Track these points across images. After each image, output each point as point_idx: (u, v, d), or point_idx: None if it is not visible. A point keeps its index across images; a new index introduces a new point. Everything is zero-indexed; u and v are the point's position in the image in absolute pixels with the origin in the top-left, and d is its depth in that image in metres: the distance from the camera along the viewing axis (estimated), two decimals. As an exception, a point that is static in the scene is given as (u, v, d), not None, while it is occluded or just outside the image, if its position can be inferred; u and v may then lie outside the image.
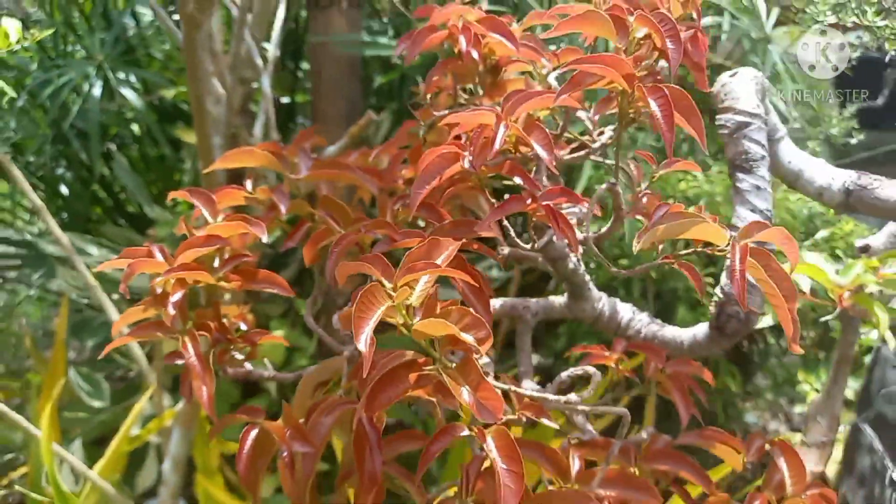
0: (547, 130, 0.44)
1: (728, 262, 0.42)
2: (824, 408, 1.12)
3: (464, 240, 0.44)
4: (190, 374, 0.44)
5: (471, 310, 0.38)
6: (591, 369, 0.49)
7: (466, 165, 0.46)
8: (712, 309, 0.58)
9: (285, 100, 1.83)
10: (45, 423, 1.12)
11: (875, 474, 1.72)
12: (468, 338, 0.37)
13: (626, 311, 0.64)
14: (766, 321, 1.07)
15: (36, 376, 1.65)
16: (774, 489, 0.52)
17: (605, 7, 0.47)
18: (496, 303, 0.63)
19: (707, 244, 0.45)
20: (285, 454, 0.48)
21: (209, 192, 0.51)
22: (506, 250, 0.63)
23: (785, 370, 1.78)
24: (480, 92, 0.57)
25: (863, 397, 1.82)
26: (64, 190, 1.79)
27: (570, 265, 0.61)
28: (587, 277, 0.63)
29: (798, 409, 2.09)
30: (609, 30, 0.44)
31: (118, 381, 1.75)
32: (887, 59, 1.45)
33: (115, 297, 1.56)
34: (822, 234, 1.54)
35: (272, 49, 1.09)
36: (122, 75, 1.49)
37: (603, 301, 0.64)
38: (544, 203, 0.46)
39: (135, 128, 1.76)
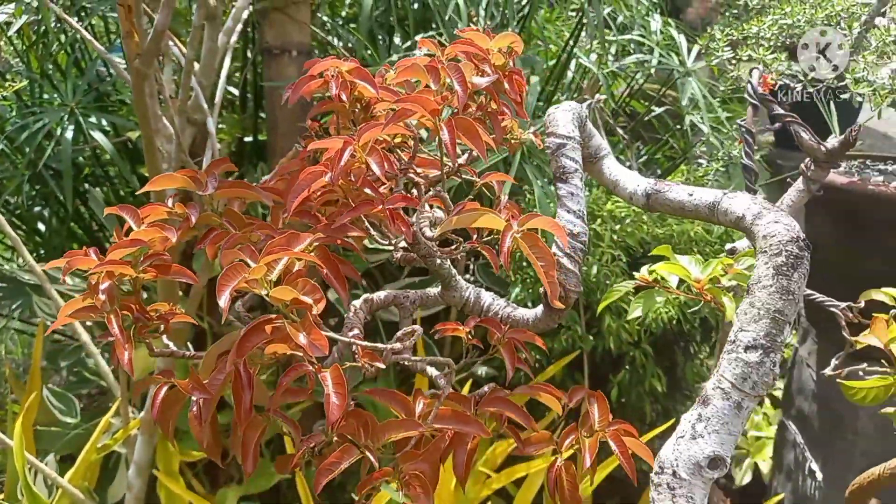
0: (382, 153, 0.60)
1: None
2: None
3: (319, 234, 0.59)
4: (115, 344, 0.58)
5: (311, 281, 0.53)
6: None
7: (327, 179, 0.61)
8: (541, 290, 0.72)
9: (248, 139, 1.99)
10: (16, 435, 1.24)
11: (798, 466, 1.87)
12: (306, 299, 0.51)
13: (487, 297, 0.78)
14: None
15: (16, 406, 1.77)
16: (586, 428, 0.66)
17: (431, 60, 0.63)
18: (381, 293, 0.78)
19: (494, 231, 0.60)
20: (194, 408, 0.62)
21: (135, 207, 0.65)
22: (399, 253, 0.78)
23: (707, 369, 1.92)
24: (356, 127, 0.73)
25: (785, 396, 1.97)
26: (42, 227, 1.93)
27: (438, 261, 0.76)
28: (453, 271, 0.78)
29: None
30: (426, 77, 0.60)
31: (91, 399, 1.87)
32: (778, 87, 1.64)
33: (89, 323, 1.69)
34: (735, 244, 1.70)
35: (218, 94, 1.25)
36: (93, 120, 1.64)
37: (469, 290, 0.79)
38: (388, 207, 0.62)
39: (109, 168, 1.91)
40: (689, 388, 1.88)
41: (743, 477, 2.06)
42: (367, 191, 0.62)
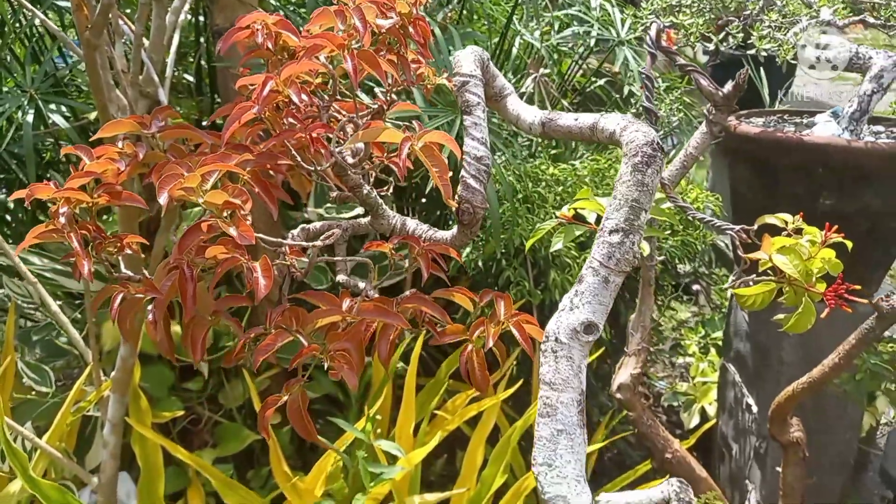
0: (301, 85, 0.70)
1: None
2: (637, 323, 1.39)
3: (248, 156, 0.69)
4: (76, 258, 0.68)
5: (239, 185, 0.63)
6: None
7: (255, 111, 0.71)
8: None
9: (205, 122, 2.07)
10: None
11: (738, 404, 2.01)
12: (236, 201, 0.61)
13: (412, 223, 0.89)
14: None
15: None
16: (493, 321, 0.77)
17: (339, 6, 0.73)
18: (317, 223, 0.88)
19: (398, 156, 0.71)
20: (150, 316, 0.71)
21: (89, 147, 0.75)
22: (334, 193, 0.88)
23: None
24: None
25: (725, 340, 2.10)
26: (6, 215, 1.99)
27: (365, 191, 0.86)
28: (379, 200, 0.88)
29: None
30: (334, 20, 0.70)
31: (66, 373, 1.94)
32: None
33: (59, 302, 1.77)
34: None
35: (168, 68, 1.34)
36: (52, 106, 1.72)
37: (396, 218, 0.89)
38: (308, 133, 0.72)
39: (70, 155, 1.98)
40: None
41: (691, 420, 2.19)
42: (291, 120, 0.72)
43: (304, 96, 0.69)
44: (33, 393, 1.65)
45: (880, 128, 1.69)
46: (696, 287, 3.22)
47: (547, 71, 2.33)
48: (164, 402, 1.76)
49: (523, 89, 2.33)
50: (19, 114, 1.65)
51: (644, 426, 1.35)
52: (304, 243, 0.71)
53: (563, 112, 0.84)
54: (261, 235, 0.66)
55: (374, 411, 1.47)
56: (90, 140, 1.83)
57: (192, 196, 0.63)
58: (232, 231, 0.60)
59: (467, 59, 0.85)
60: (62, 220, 0.69)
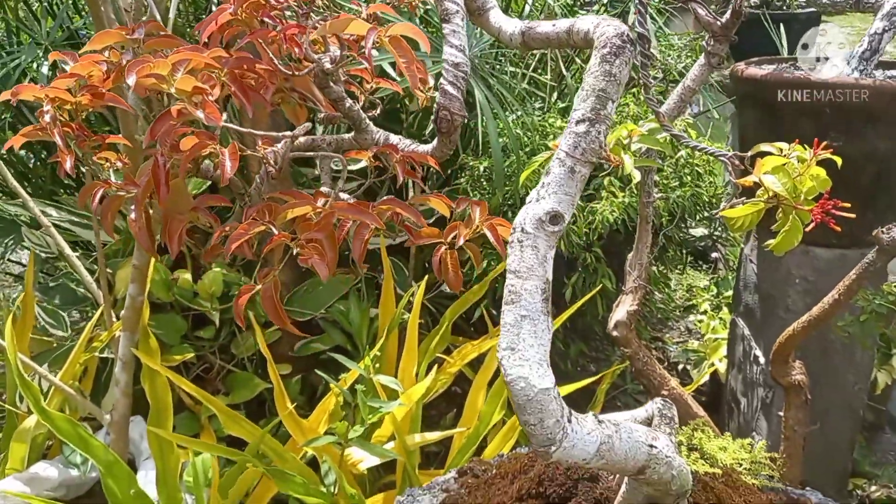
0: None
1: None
2: (634, 261, 1.38)
3: (221, 52, 0.70)
4: (59, 155, 0.70)
5: (213, 74, 0.65)
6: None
7: (230, 11, 0.73)
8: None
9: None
10: (8, 337, 1.36)
11: (746, 358, 1.99)
12: (204, 86, 0.63)
13: (395, 138, 0.90)
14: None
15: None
16: (467, 225, 0.78)
17: None
18: (301, 138, 0.90)
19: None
20: (132, 214, 0.74)
21: (75, 53, 0.77)
22: (322, 114, 0.90)
23: (655, 269, 2.04)
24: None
25: (735, 295, 2.09)
26: (27, 168, 2.05)
27: (347, 104, 0.87)
28: (363, 115, 0.89)
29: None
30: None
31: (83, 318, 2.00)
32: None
33: (78, 252, 1.82)
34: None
35: (172, 9, 1.36)
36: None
37: (379, 133, 0.90)
38: (283, 32, 0.73)
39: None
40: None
41: (701, 378, 2.18)
42: (266, 20, 0.73)
43: (277, -5, 0.71)
44: (51, 338, 1.70)
45: (895, 72, 1.65)
46: (714, 255, 3.18)
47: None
48: (176, 349, 1.80)
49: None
50: (34, 66, 1.69)
51: (640, 363, 1.35)
52: (279, 135, 0.72)
53: (542, 21, 0.84)
54: (235, 127, 0.68)
55: (375, 351, 1.49)
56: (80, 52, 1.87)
57: (162, 84, 0.65)
58: (199, 114, 0.62)
59: (447, -31, 0.85)
60: (47, 118, 0.72)
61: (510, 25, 0.88)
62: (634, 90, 2.15)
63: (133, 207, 0.73)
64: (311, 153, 0.83)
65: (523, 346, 0.66)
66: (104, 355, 1.68)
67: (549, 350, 0.67)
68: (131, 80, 0.65)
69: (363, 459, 1.45)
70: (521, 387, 0.65)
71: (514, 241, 0.69)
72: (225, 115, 0.67)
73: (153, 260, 1.47)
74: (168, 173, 0.66)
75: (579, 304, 1.67)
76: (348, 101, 0.87)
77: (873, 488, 1.96)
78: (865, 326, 1.46)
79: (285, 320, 0.70)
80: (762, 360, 1.86)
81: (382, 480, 1.65)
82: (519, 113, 2.03)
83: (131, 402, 1.56)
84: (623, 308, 1.36)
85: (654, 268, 2.23)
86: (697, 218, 2.62)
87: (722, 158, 1.13)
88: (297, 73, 0.78)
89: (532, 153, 1.94)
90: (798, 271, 1.70)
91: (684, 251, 2.61)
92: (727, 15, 1.22)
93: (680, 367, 2.36)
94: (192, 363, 1.91)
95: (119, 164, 0.77)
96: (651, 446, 0.79)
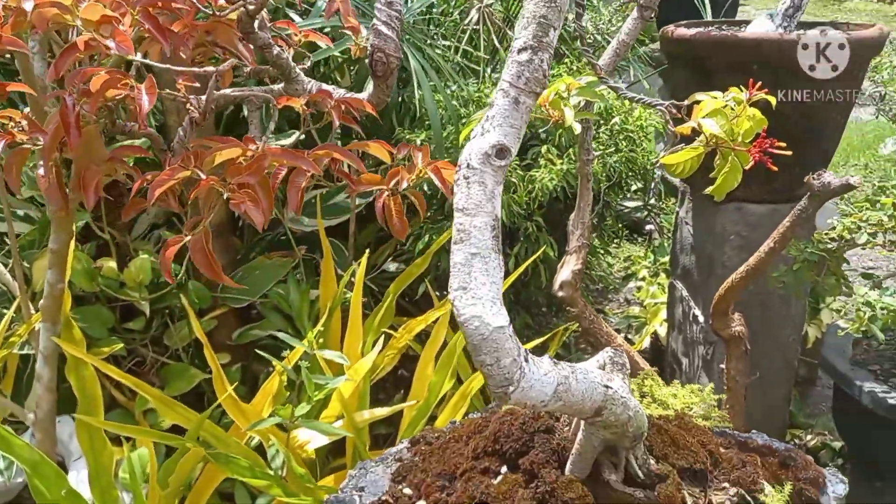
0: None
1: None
2: (577, 220, 1.38)
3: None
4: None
5: (122, 2, 0.59)
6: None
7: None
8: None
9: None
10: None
11: (686, 318, 2.03)
12: (114, 14, 0.57)
13: (329, 87, 0.86)
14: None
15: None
16: (410, 170, 0.75)
17: None
18: (229, 91, 0.84)
19: None
20: (40, 170, 0.67)
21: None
22: (248, 68, 0.84)
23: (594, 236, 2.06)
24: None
25: (672, 259, 2.12)
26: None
27: (275, 51, 0.82)
28: (292, 64, 0.85)
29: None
30: None
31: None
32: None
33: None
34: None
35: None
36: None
37: (311, 83, 0.86)
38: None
39: None
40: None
41: (642, 342, 2.22)
42: None
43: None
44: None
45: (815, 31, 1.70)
46: (648, 227, 3.24)
47: (491, 1, 2.30)
48: (103, 341, 1.70)
49: (467, 20, 2.30)
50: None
51: (587, 321, 1.35)
52: (201, 69, 0.67)
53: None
54: (153, 63, 0.63)
55: (318, 327, 1.44)
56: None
57: (65, 15, 0.58)
58: (109, 42, 0.56)
59: None
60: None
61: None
62: (567, 60, 2.16)
63: (41, 163, 0.66)
64: (240, 94, 0.77)
65: (475, 285, 0.63)
66: (24, 352, 1.57)
67: (501, 288, 0.65)
68: (29, 6, 0.58)
69: (311, 440, 1.40)
70: (475, 326, 0.63)
71: (461, 177, 0.66)
72: (139, 55, 0.62)
73: (73, 244, 1.37)
74: (79, 118, 0.60)
75: (522, 268, 1.66)
76: (276, 48, 0.82)
77: (808, 437, 2.03)
78: (798, 275, 1.50)
79: (218, 271, 0.65)
80: (701, 318, 1.90)
81: (331, 465, 1.60)
82: (454, 86, 2.00)
83: (56, 398, 1.45)
84: (567, 268, 1.35)
85: (593, 240, 2.25)
86: (633, 188, 2.66)
87: (659, 107, 1.13)
88: (218, 14, 0.73)
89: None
90: (732, 228, 1.74)
91: (620, 224, 2.64)
92: (657, -34, 1.22)
93: (622, 334, 2.39)
94: (122, 357, 1.81)
95: (24, 123, 0.70)
96: (607, 387, 0.77)
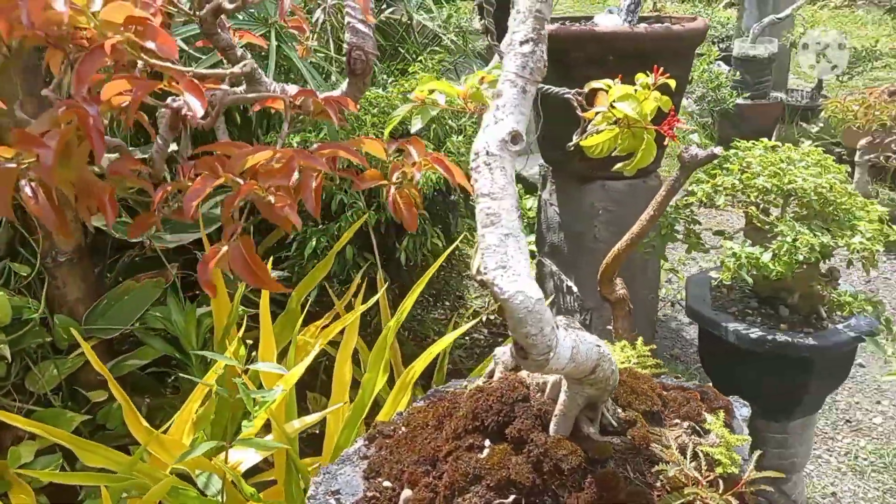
0: None
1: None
2: (487, 206, 1.45)
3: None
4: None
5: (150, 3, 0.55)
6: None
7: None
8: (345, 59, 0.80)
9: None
10: None
11: (558, 290, 2.20)
12: (143, 13, 0.53)
13: (293, 88, 0.84)
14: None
15: None
16: (409, 163, 0.77)
17: None
18: (241, 90, 0.79)
19: None
20: (25, 188, 0.60)
21: None
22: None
23: (472, 228, 2.17)
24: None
25: (538, 237, 2.29)
26: None
27: (238, 53, 0.79)
28: (255, 65, 0.82)
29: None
30: None
31: None
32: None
33: None
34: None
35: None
36: None
37: (274, 85, 0.83)
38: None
39: None
40: (464, 241, 2.10)
41: (518, 318, 2.37)
42: None
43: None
44: None
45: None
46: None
47: (335, 0, 2.30)
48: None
49: (313, 19, 2.28)
50: None
51: (507, 300, 1.43)
52: (219, 71, 0.64)
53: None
54: (159, 63, 0.59)
55: (235, 345, 1.37)
56: None
57: (80, 17, 0.53)
58: (150, 44, 0.52)
59: None
60: None
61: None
62: (422, 58, 2.23)
63: (25, 183, 0.59)
64: (254, 96, 0.74)
65: (513, 263, 0.68)
66: None
67: (530, 265, 0.70)
68: (25, 19, 0.52)
69: (242, 460, 1.34)
70: (520, 300, 0.67)
71: (481, 164, 0.70)
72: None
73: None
74: (101, 121, 0.55)
75: (440, 261, 1.70)
76: (239, 51, 0.80)
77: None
78: (665, 239, 1.71)
79: (267, 278, 0.63)
80: (575, 289, 2.09)
81: (254, 479, 1.53)
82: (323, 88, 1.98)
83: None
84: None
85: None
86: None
87: (567, 96, 1.24)
88: (197, 14, 0.69)
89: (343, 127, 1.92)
90: (600, 204, 1.93)
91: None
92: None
93: (493, 316, 2.53)
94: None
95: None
96: (598, 346, 0.86)
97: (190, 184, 0.62)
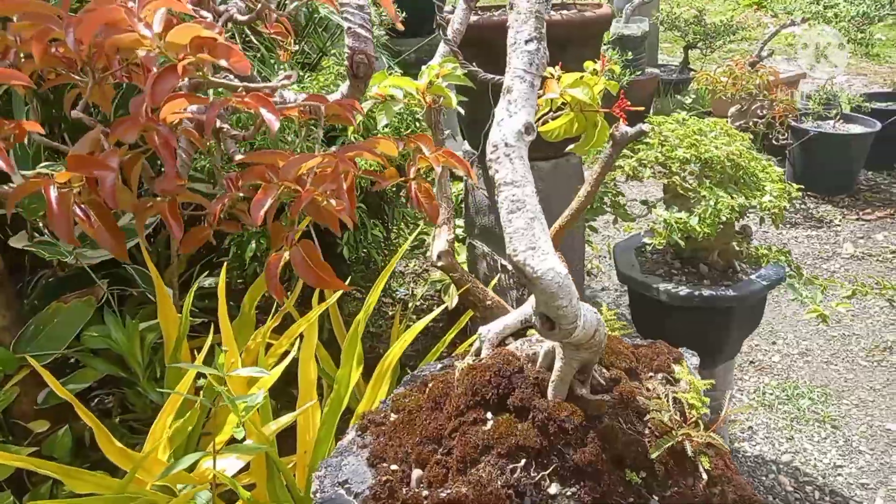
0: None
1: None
2: (440, 195, 1.51)
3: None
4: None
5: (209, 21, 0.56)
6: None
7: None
8: (346, 62, 0.83)
9: None
10: None
11: (492, 269, 2.29)
12: (209, 33, 0.55)
13: (298, 96, 0.86)
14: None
15: None
16: (421, 158, 0.81)
17: None
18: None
19: None
20: (79, 212, 0.59)
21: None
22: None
23: (410, 215, 2.22)
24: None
25: (466, 222, 2.37)
26: None
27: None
28: (293, 76, 0.83)
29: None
30: None
31: None
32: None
33: None
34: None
35: None
36: None
37: (288, 94, 0.85)
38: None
39: None
40: (403, 229, 2.15)
41: (452, 300, 2.44)
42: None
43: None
44: None
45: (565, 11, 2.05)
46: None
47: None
48: None
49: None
50: None
51: (465, 282, 1.50)
52: (269, 84, 0.65)
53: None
54: (222, 80, 0.60)
55: (223, 357, 1.35)
56: None
57: (142, 43, 0.54)
58: (223, 62, 0.54)
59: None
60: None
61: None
62: (335, 52, 2.23)
63: (84, 213, 0.59)
64: (294, 105, 0.75)
65: (541, 244, 0.75)
66: None
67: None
68: (70, 40, 0.52)
69: (226, 467, 1.33)
70: (551, 276, 0.74)
71: (501, 155, 0.76)
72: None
73: None
74: (172, 148, 0.56)
75: (401, 251, 1.73)
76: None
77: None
78: (594, 212, 1.84)
79: (330, 279, 0.66)
80: (510, 266, 2.19)
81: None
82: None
83: None
84: (442, 239, 1.48)
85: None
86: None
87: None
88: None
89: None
90: (530, 183, 2.03)
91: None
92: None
93: (426, 304, 2.59)
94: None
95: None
96: (595, 312, 0.94)
97: (241, 195, 0.64)
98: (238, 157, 0.67)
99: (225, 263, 1.57)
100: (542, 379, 1.05)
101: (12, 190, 0.56)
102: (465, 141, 2.27)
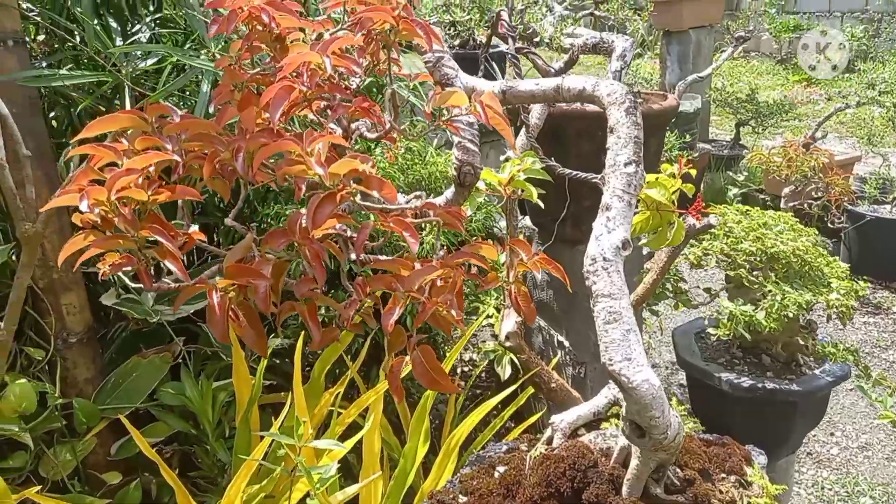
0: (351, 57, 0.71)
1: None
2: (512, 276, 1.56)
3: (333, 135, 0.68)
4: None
5: (362, 154, 0.64)
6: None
7: (303, 89, 0.70)
8: (453, 171, 0.90)
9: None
10: None
11: (547, 343, 2.32)
12: (364, 167, 0.62)
13: (402, 197, 0.93)
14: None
15: None
16: (519, 262, 0.87)
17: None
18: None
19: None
20: (217, 308, 0.66)
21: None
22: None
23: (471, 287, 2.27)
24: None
25: (526, 295, 2.41)
26: None
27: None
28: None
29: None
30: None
31: None
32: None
33: None
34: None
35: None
36: None
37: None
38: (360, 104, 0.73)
39: None
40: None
41: (504, 372, 2.47)
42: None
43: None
44: None
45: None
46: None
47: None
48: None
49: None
50: None
51: (533, 365, 1.54)
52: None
53: (519, 80, 0.97)
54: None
55: (282, 420, 1.41)
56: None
57: (310, 171, 0.61)
58: (375, 194, 0.61)
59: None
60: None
61: (487, 85, 0.98)
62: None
63: (234, 314, 0.66)
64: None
65: (636, 356, 0.79)
66: None
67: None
68: (240, 164, 0.60)
69: (294, 537, 1.36)
70: (646, 388, 0.78)
71: (599, 268, 0.81)
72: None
73: None
74: (324, 262, 0.63)
75: (472, 329, 1.78)
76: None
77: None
78: (657, 297, 1.87)
79: (444, 383, 0.71)
80: (567, 343, 2.21)
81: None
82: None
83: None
84: (511, 320, 1.53)
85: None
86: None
87: (594, 180, 1.38)
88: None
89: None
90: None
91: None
92: (561, 63, 1.48)
93: (484, 364, 2.62)
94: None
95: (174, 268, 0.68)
96: (678, 417, 0.97)
97: (369, 301, 0.70)
98: (368, 264, 0.74)
99: (302, 333, 1.63)
100: (616, 475, 1.08)
101: (178, 287, 0.63)
102: (526, 217, 2.34)
